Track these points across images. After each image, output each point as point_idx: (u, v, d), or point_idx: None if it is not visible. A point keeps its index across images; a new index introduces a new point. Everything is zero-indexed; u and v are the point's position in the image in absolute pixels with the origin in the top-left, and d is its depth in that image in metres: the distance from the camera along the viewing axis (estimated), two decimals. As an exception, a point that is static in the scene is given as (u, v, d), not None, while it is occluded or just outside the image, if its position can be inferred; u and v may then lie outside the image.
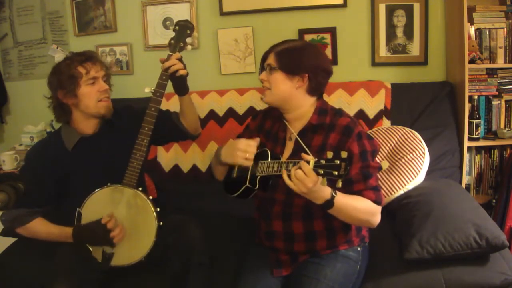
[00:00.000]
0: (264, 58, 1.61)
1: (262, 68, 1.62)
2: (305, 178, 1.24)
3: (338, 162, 1.19)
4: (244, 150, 1.51)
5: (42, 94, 1.73)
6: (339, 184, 1.22)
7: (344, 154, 1.19)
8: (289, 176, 1.29)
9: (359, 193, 1.45)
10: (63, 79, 1.65)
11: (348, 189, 1.43)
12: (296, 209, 1.54)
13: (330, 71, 1.59)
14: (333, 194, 1.34)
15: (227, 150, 1.58)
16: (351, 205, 1.41)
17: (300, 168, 1.25)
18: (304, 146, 1.48)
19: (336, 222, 1.51)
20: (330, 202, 1.34)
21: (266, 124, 1.71)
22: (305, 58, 1.53)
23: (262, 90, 1.61)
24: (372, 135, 2.20)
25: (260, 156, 1.55)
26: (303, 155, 1.28)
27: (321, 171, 1.21)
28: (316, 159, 1.23)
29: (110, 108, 1.73)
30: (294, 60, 1.53)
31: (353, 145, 1.47)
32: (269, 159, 1.50)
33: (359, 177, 1.45)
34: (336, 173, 1.19)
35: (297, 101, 1.56)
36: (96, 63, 1.71)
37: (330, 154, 1.21)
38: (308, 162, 1.24)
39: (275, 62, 1.54)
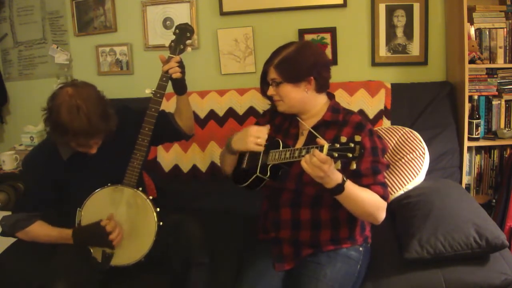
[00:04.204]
0: (264, 73, 1.63)
1: (264, 84, 1.64)
2: (321, 164, 1.27)
3: (352, 145, 1.22)
4: (255, 136, 1.56)
5: (40, 109, 1.59)
6: (353, 166, 1.25)
7: (358, 138, 1.22)
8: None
9: (367, 187, 1.47)
10: (57, 136, 1.55)
11: (357, 182, 1.45)
12: (305, 198, 1.55)
13: (330, 63, 1.63)
14: (344, 179, 1.37)
15: (238, 136, 1.61)
16: (359, 194, 1.43)
17: (314, 155, 1.28)
18: (317, 135, 1.49)
19: (342, 214, 1.53)
20: (340, 186, 1.36)
21: (276, 120, 1.73)
22: (304, 62, 1.55)
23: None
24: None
25: (271, 146, 1.57)
26: (318, 139, 1.31)
27: (336, 154, 1.24)
28: (330, 144, 1.26)
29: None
30: (295, 68, 1.55)
31: (365, 139, 1.50)
32: (281, 148, 1.53)
33: (369, 171, 1.48)
34: (350, 155, 1.22)
35: (310, 102, 1.60)
36: (93, 137, 1.54)
37: (344, 139, 1.24)
38: (322, 147, 1.27)
39: (277, 75, 1.56)
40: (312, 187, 1.36)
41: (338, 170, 1.33)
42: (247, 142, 1.57)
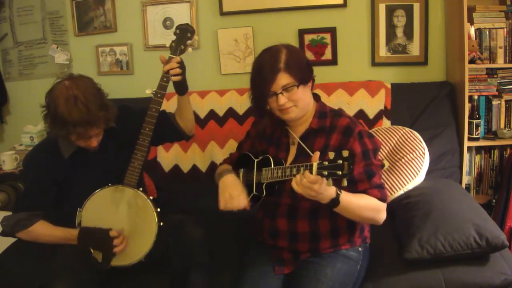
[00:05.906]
0: (267, 84, 1.46)
1: (266, 99, 1.50)
2: (311, 184, 1.26)
3: (340, 161, 1.21)
4: (226, 204, 1.55)
5: (40, 108, 1.59)
6: (344, 183, 1.23)
7: (345, 153, 1.21)
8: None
9: (364, 192, 1.46)
10: (57, 129, 1.54)
11: (353, 189, 1.43)
12: (302, 211, 1.54)
13: None
14: (338, 192, 1.35)
15: (221, 188, 1.59)
16: (356, 203, 1.42)
17: (304, 176, 1.27)
18: (307, 149, 1.49)
19: (341, 222, 1.52)
20: (335, 200, 1.35)
21: (267, 129, 1.68)
22: (305, 61, 1.53)
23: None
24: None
25: (262, 163, 1.57)
26: (313, 156, 1.28)
27: (325, 172, 1.23)
28: (319, 161, 1.24)
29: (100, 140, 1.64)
30: (303, 67, 1.49)
31: (354, 144, 1.47)
32: (272, 165, 1.52)
33: (363, 176, 1.46)
34: (340, 172, 1.21)
35: (311, 102, 1.57)
36: (92, 126, 1.52)
37: (331, 155, 1.23)
38: (311, 166, 1.25)
39: (292, 79, 1.45)
40: (307, 201, 1.36)
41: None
42: (220, 200, 1.57)
